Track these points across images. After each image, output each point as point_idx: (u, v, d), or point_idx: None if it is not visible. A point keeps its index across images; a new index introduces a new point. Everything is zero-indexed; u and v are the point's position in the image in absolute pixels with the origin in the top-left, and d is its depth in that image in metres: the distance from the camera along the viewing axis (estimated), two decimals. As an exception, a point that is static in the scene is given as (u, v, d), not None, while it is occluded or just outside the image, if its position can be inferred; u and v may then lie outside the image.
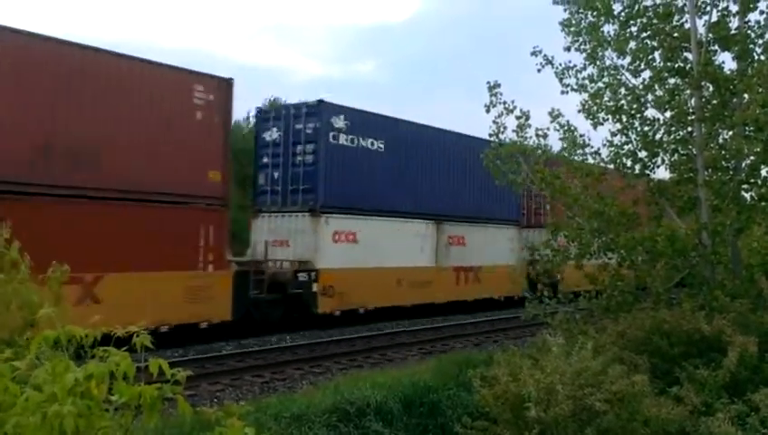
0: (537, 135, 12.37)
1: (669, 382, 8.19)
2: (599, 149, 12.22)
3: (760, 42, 11.11)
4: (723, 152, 11.18)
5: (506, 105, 12.25)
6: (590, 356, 7.72)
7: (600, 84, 11.95)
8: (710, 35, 11.21)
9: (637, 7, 11.55)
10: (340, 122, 20.59)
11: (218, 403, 10.84)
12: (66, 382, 2.24)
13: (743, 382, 8.12)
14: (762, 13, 11.09)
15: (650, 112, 11.85)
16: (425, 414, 10.64)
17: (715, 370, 7.96)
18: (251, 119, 66.68)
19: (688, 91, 11.50)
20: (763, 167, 11.05)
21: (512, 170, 12.37)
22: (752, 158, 10.91)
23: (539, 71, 12.23)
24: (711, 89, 11.32)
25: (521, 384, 7.54)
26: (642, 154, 11.89)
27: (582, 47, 12.05)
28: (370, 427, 9.65)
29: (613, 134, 12.04)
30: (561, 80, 12.22)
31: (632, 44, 11.65)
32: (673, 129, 11.70)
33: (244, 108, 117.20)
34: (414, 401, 10.66)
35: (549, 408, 7.09)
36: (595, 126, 12.04)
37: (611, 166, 12.24)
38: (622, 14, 11.68)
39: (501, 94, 12.23)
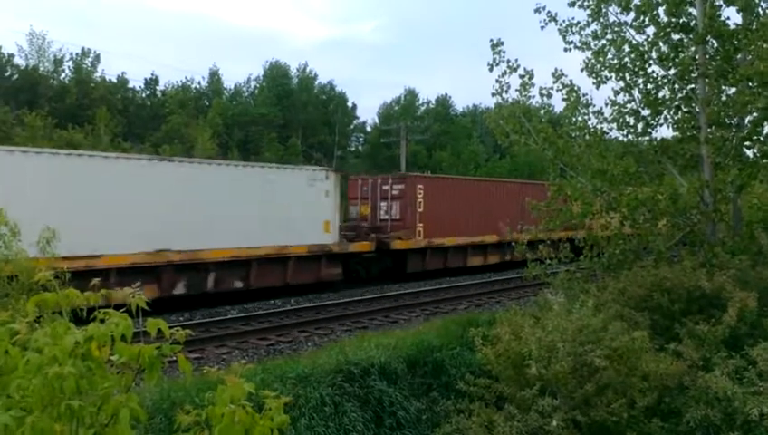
0: (541, 94, 12.28)
1: (669, 338, 8.28)
2: (601, 108, 12.14)
3: (764, -5, 10.94)
4: (726, 109, 11.09)
5: (510, 64, 12.12)
6: (590, 314, 7.80)
7: (604, 41, 11.82)
8: (715, -11, 11.02)
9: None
10: None
11: (225, 366, 10.98)
12: (66, 344, 2.28)
13: (742, 337, 8.20)
14: None
15: (654, 69, 11.74)
16: (429, 373, 10.79)
17: (715, 325, 8.04)
18: (251, 82, 66.39)
19: (693, 48, 11.36)
20: (765, 123, 10.97)
21: (515, 130, 12.30)
22: (755, 114, 10.83)
23: (542, 28, 12.09)
24: (715, 45, 11.18)
25: (522, 343, 7.64)
26: (645, 112, 11.81)
27: (586, 3, 11.88)
28: (375, 386, 9.80)
29: (616, 93, 11.95)
30: (564, 37, 12.08)
31: (636, 0, 11.48)
32: (676, 86, 11.60)
33: (244, 72, 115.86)
34: (418, 361, 10.80)
35: (549, 365, 7.20)
36: (598, 85, 11.95)
37: (614, 125, 12.17)
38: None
39: (504, 53, 12.10)
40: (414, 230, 23.57)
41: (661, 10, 11.40)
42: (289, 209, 18.76)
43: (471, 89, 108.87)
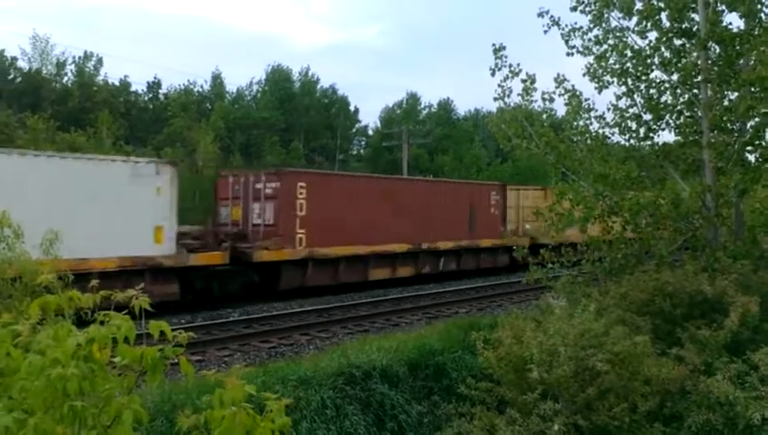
0: (543, 99, 12.28)
1: (671, 343, 8.26)
2: (603, 113, 12.15)
3: (766, 1, 10.94)
4: (728, 114, 11.09)
5: (512, 68, 12.13)
6: (592, 318, 7.79)
7: (606, 46, 11.82)
8: (717, -5, 11.04)
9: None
10: None
11: (226, 368, 10.98)
12: (68, 346, 2.29)
13: (743, 342, 8.19)
14: None
15: (656, 74, 11.75)
16: (430, 377, 10.78)
17: (717, 330, 8.02)
18: (253, 86, 66.44)
19: (695, 53, 11.37)
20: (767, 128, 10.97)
21: (516, 134, 12.31)
22: (757, 119, 10.83)
23: (545, 32, 12.11)
24: (717, 50, 11.19)
25: (524, 346, 7.64)
26: (647, 117, 11.80)
27: (588, 8, 11.89)
28: (376, 389, 9.79)
29: (618, 97, 11.94)
30: (566, 41, 12.09)
31: (639, 5, 11.50)
32: (679, 91, 11.60)
33: (246, 76, 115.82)
34: (419, 364, 10.80)
35: (551, 369, 7.19)
36: (600, 90, 11.95)
37: (616, 129, 12.17)
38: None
39: (506, 57, 12.11)
40: (292, 238, 19.25)
41: (663, 15, 11.42)
42: (100, 212, 14.53)
43: (473, 93, 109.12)
